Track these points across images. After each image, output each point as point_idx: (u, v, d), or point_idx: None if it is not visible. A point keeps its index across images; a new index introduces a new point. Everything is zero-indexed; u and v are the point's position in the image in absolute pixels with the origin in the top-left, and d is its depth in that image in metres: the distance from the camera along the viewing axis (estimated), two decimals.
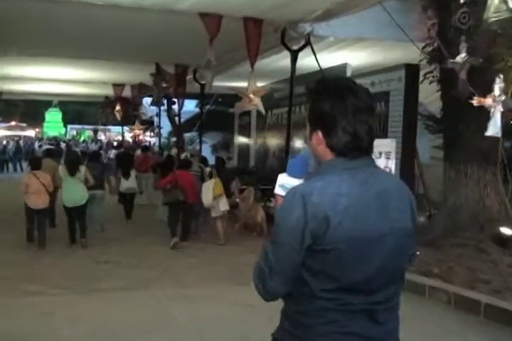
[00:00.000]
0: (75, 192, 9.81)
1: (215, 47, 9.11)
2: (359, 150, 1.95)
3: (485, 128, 7.03)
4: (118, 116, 21.53)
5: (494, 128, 6.80)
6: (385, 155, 7.39)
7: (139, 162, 15.55)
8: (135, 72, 16.09)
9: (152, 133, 29.71)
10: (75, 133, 48.25)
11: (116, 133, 41.98)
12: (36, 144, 36.48)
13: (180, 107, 16.03)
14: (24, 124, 44.12)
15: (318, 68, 10.69)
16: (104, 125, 39.76)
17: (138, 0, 8.21)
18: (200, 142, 16.44)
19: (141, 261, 9.04)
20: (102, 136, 44.30)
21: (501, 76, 6.86)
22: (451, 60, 7.23)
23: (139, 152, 17.59)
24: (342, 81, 2.08)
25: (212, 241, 10.55)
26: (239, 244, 10.40)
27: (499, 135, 7.02)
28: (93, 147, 33.26)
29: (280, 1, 8.05)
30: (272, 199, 7.49)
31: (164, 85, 15.05)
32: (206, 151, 19.20)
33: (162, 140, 23.99)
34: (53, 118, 47.58)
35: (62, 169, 10.05)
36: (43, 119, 47.43)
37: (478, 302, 6.47)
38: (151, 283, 7.66)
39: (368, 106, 1.97)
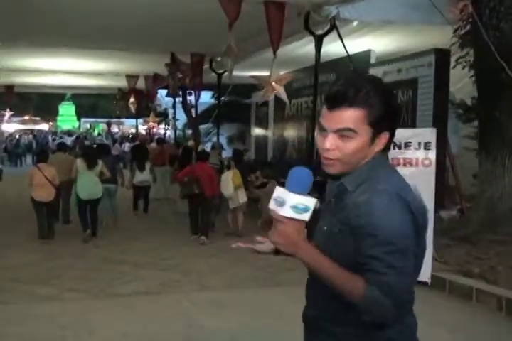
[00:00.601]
0: (91, 185, 9.86)
1: (235, 33, 8.61)
2: None
3: None
4: (132, 108, 21.11)
5: None
6: (425, 146, 6.86)
7: (155, 155, 15.16)
8: (149, 63, 15.71)
9: (167, 126, 29.25)
10: (88, 126, 48.04)
11: (129, 126, 41.90)
12: (50, 138, 36.32)
13: (197, 98, 15.54)
14: (38, 118, 44.11)
15: (341, 55, 10.26)
16: (118, 118, 39.62)
17: None
18: (218, 134, 15.98)
19: (160, 261, 8.53)
20: (115, 129, 44.08)
21: None
22: None
23: (154, 144, 17.20)
24: None
25: (227, 232, 10.46)
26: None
27: None
28: (107, 140, 32.90)
29: None
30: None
31: (180, 75, 14.60)
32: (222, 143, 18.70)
33: (177, 132, 23.57)
34: (67, 111, 47.74)
35: (80, 162, 10.02)
36: (56, 113, 47.41)
37: None
38: (173, 286, 7.14)
39: None
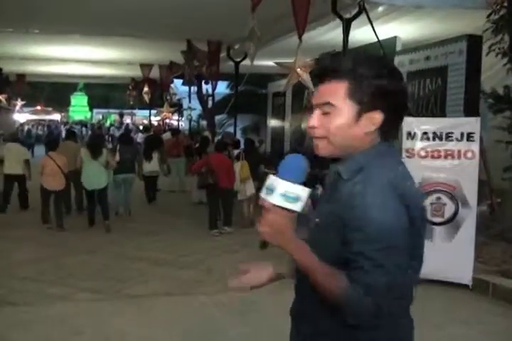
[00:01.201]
0: (96, 175, 9.76)
1: (258, 17, 8.18)
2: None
3: None
4: (146, 98, 20.74)
5: None
6: (468, 136, 6.39)
7: (170, 146, 14.87)
8: (164, 51, 15.38)
9: (180, 116, 28.86)
10: (100, 117, 47.92)
11: (142, 116, 41.78)
12: (62, 128, 36.13)
13: (214, 87, 15.11)
14: (50, 108, 44.02)
15: (366, 42, 9.84)
16: (131, 108, 39.47)
17: None
18: (235, 125, 15.56)
19: (179, 257, 8.03)
20: (127, 120, 43.90)
21: None
22: None
23: (168, 135, 16.81)
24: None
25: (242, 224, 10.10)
26: None
27: None
28: (118, 131, 32.66)
29: None
30: (317, 186, 6.58)
31: (196, 64, 14.18)
32: (237, 134, 18.26)
33: (191, 123, 23.21)
34: (79, 102, 47.73)
35: (84, 151, 9.96)
36: (68, 103, 47.31)
37: None
38: (195, 286, 6.64)
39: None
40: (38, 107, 42.68)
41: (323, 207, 1.88)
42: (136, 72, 19.97)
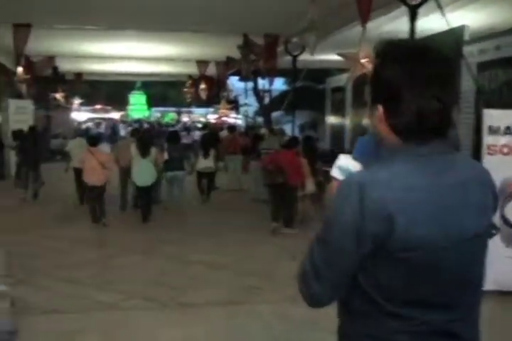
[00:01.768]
0: (144, 172, 10.00)
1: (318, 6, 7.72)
2: (429, 132, 1.57)
3: None
4: (203, 94, 20.49)
5: None
6: None
7: (227, 143, 14.60)
8: (220, 47, 15.13)
9: (237, 114, 28.65)
10: (159, 115, 48.49)
11: (199, 115, 42.05)
12: (121, 126, 36.57)
13: (271, 83, 14.70)
14: (109, 107, 44.77)
15: (435, 32, 9.25)
16: (188, 107, 39.71)
17: None
18: (293, 122, 15.12)
19: (237, 262, 7.55)
20: (185, 118, 44.23)
21: None
22: None
23: (225, 132, 16.54)
24: (412, 42, 1.98)
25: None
26: None
27: None
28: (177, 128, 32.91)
29: None
30: None
31: (253, 58, 13.80)
32: (294, 132, 17.83)
33: (247, 120, 22.94)
34: (137, 100, 48.52)
35: (133, 149, 10.18)
36: (126, 102, 48.00)
37: None
38: (254, 294, 6.16)
39: (442, 76, 1.56)
40: (98, 106, 43.43)
41: None
42: (193, 70, 19.79)
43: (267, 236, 9.07)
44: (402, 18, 8.47)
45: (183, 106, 41.71)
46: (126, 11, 11.30)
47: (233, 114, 28.79)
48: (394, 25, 9.72)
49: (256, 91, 18.73)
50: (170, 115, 47.20)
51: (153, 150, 10.20)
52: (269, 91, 16.58)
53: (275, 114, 23.05)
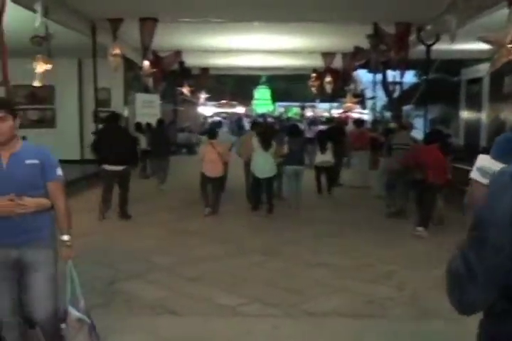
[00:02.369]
0: (265, 164, 10.20)
1: None
2: None
3: None
4: (328, 88, 19.80)
5: None
6: None
7: (354, 138, 14.05)
8: (348, 37, 14.45)
9: (361, 108, 27.75)
10: (283, 110, 48.54)
11: (322, 109, 41.74)
12: (245, 120, 36.82)
13: (402, 74, 13.82)
14: (235, 102, 45.37)
15: None
16: (312, 101, 39.35)
17: None
18: (425, 116, 14.20)
19: (364, 266, 6.90)
20: (309, 113, 43.95)
21: None
22: None
23: (351, 127, 15.90)
24: None
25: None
26: None
27: None
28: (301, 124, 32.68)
29: None
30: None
31: (383, 48, 13.01)
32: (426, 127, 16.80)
33: (375, 114, 22.08)
34: (262, 95, 48.92)
35: (255, 142, 10.32)
36: (251, 97, 48.38)
37: None
38: (383, 305, 5.45)
39: None
40: (223, 101, 44.09)
41: None
42: (318, 62, 19.20)
43: (397, 239, 8.38)
44: None
45: (307, 101, 41.86)
46: (252, 1, 10.97)
47: (358, 109, 27.95)
48: None
49: (385, 84, 17.84)
50: (293, 110, 47.18)
51: (274, 144, 10.31)
52: (400, 83, 15.64)
53: (404, 108, 22.03)
